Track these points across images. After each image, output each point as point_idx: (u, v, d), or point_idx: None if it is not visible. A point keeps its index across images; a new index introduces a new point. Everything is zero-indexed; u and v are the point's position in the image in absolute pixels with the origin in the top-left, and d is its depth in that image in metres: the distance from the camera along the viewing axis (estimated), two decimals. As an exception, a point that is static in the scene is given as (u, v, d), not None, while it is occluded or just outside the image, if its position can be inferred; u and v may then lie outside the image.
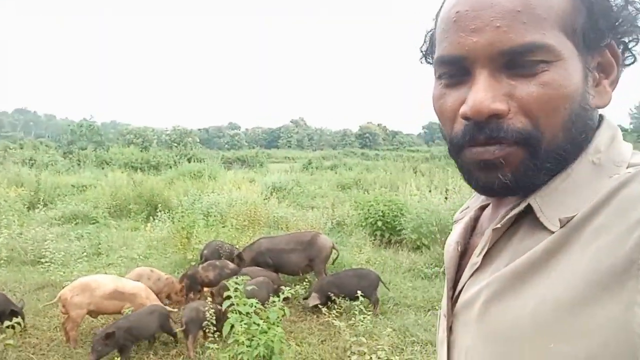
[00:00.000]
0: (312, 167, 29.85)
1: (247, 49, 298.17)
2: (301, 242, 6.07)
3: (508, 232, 0.66)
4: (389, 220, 8.22)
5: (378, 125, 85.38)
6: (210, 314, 3.98)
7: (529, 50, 0.58)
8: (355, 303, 4.87)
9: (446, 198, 9.44)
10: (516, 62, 0.59)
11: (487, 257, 0.68)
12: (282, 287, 5.43)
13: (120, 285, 4.44)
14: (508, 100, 0.60)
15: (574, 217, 0.57)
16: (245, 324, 3.33)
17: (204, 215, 9.05)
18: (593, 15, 0.61)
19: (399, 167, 21.68)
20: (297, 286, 5.19)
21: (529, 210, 0.63)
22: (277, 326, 3.44)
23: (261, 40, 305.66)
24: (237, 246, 6.82)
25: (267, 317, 3.47)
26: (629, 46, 0.65)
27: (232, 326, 3.40)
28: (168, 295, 5.39)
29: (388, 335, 4.41)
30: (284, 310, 3.68)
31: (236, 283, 3.64)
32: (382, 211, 8.23)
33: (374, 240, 8.01)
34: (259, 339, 3.26)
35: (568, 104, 0.60)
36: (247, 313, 3.43)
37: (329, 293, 5.04)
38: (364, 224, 8.48)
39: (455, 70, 0.65)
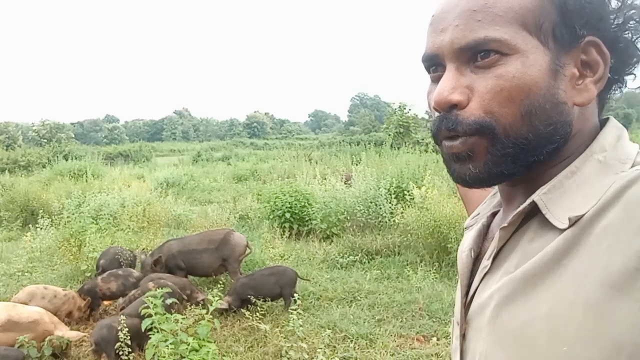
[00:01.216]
0: (202, 160, 28.94)
1: (123, 36, 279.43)
2: (213, 241, 5.68)
3: (517, 233, 0.67)
4: (296, 212, 8.06)
5: (265, 114, 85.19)
6: (124, 333, 3.50)
7: (482, 44, 0.62)
8: (279, 303, 4.64)
9: (342, 182, 9.54)
10: (475, 56, 0.64)
11: (497, 259, 0.68)
12: (198, 294, 5.08)
13: (14, 314, 3.73)
14: (469, 92, 0.64)
15: (583, 215, 0.58)
16: (171, 343, 2.94)
17: (93, 218, 8.22)
18: (566, 13, 0.63)
19: (292, 155, 21.69)
20: (215, 289, 4.80)
21: (535, 209, 0.64)
22: (210, 342, 3.09)
23: (138, 28, 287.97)
24: (139, 250, 6.22)
25: (196, 333, 3.10)
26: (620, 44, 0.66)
27: (156, 347, 2.99)
28: (68, 314, 4.69)
29: (317, 334, 4.27)
30: (213, 322, 3.34)
31: (154, 297, 3.23)
32: (289, 202, 8.03)
33: (283, 233, 7.81)
34: (190, 359, 2.90)
35: (524, 95, 0.62)
36: (173, 330, 3.04)
37: (246, 296, 4.73)
38: (271, 216, 8.23)
39: (435, 67, 0.70)
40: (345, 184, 9.37)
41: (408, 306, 4.87)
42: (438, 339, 4.18)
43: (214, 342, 3.21)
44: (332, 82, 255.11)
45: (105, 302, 5.23)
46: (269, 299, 4.92)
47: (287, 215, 7.98)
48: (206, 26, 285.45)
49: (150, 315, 3.16)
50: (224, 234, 5.79)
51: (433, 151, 14.27)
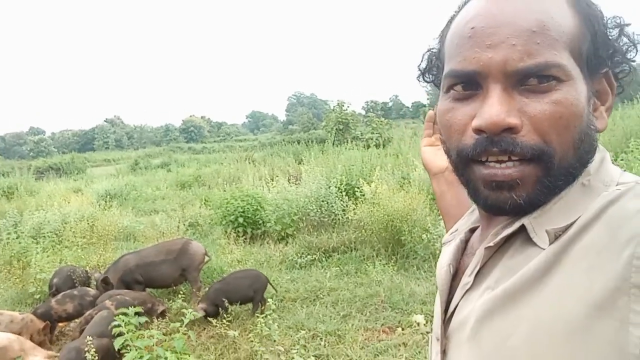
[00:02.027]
0: (140, 168, 28.07)
1: (44, 43, 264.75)
2: (171, 251, 5.59)
3: (499, 251, 0.67)
4: (249, 215, 8.04)
5: (202, 117, 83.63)
6: (92, 354, 3.41)
7: (542, 69, 0.60)
8: (245, 307, 4.64)
9: (291, 183, 9.61)
10: (529, 79, 0.61)
11: (479, 276, 0.69)
12: (159, 306, 4.98)
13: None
14: (520, 116, 0.61)
15: (560, 229, 0.59)
16: (148, 359, 2.91)
17: (34, 238, 7.85)
18: (596, 42, 0.64)
19: (234, 158, 21.47)
20: (179, 300, 4.75)
21: (521, 229, 0.64)
22: (187, 355, 3.08)
23: (60, 34, 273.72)
24: (91, 269, 6.02)
25: (173, 347, 3.08)
26: (619, 77, 0.69)
27: (132, 364, 2.95)
28: (29, 338, 4.46)
29: (285, 335, 4.32)
30: (188, 334, 3.32)
31: (125, 314, 3.18)
32: (241, 207, 8.00)
33: (237, 237, 7.78)
34: (169, 373, 2.88)
35: (578, 122, 0.62)
36: (147, 346, 3.00)
37: (220, 302, 4.70)
38: (223, 222, 8.16)
39: (466, 85, 0.66)
40: (295, 183, 9.44)
41: (370, 300, 5.02)
42: (403, 329, 4.35)
43: (189, 355, 3.19)
44: (268, 82, 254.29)
45: (60, 324, 5.04)
46: (240, 303, 4.94)
47: (240, 219, 7.94)
48: (132, 31, 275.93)
49: (121, 334, 3.10)
50: (182, 244, 5.71)
51: (375, 146, 14.62)
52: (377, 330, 4.40)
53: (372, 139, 19.77)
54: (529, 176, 0.62)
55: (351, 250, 6.70)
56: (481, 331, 0.63)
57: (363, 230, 6.74)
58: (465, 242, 0.82)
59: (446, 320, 0.74)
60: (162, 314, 4.86)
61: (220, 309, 4.74)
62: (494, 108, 0.61)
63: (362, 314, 4.75)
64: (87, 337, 3.51)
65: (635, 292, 0.50)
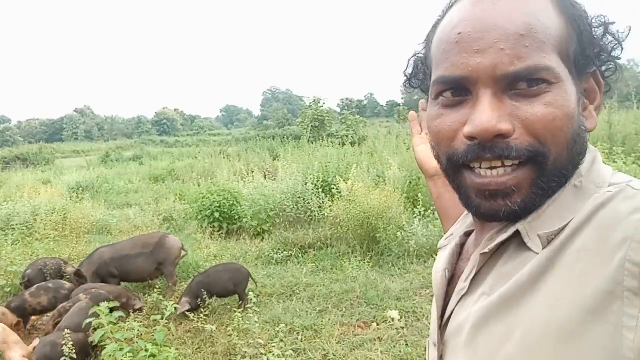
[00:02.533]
0: (111, 160, 27.55)
1: (12, 29, 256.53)
2: (148, 245, 5.56)
3: (493, 256, 0.68)
4: (225, 210, 8.03)
5: (175, 110, 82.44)
6: (70, 348, 3.39)
7: (532, 73, 0.60)
8: (222, 302, 4.65)
9: (267, 179, 9.63)
10: (519, 83, 0.61)
11: (474, 281, 0.70)
12: (135, 301, 4.96)
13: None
14: (512, 120, 0.61)
15: (553, 233, 0.60)
16: (129, 352, 2.92)
17: (2, 230, 7.71)
18: (582, 42, 0.64)
19: (209, 153, 21.29)
20: (155, 294, 4.74)
21: (515, 234, 0.65)
22: (168, 347, 3.10)
23: (32, 20, 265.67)
24: (64, 260, 5.93)
25: (153, 340, 3.10)
26: (606, 75, 0.70)
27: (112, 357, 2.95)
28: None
29: (263, 330, 4.36)
30: (169, 327, 3.34)
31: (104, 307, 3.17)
32: (217, 202, 7.99)
33: (213, 233, 7.77)
34: (150, 366, 2.90)
35: (570, 123, 0.62)
36: (127, 339, 3.02)
37: (202, 294, 4.72)
38: (199, 217, 8.14)
39: (455, 91, 0.66)
40: (271, 179, 9.45)
41: (346, 295, 5.10)
42: (378, 324, 4.44)
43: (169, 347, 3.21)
44: (243, 77, 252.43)
45: (33, 317, 4.97)
46: (220, 297, 4.97)
47: (216, 214, 7.93)
48: (106, 19, 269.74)
49: (101, 326, 3.10)
50: (159, 238, 5.69)
51: (351, 144, 14.70)
52: (352, 325, 4.49)
53: (347, 137, 19.90)
54: (524, 180, 0.62)
55: (327, 247, 6.78)
56: (477, 337, 0.63)
57: (339, 227, 6.81)
58: (461, 246, 0.82)
59: (442, 326, 0.74)
60: (139, 309, 4.83)
61: (201, 302, 4.76)
62: (485, 114, 0.61)
63: (338, 309, 4.83)
64: (65, 330, 3.48)
65: (629, 295, 0.50)
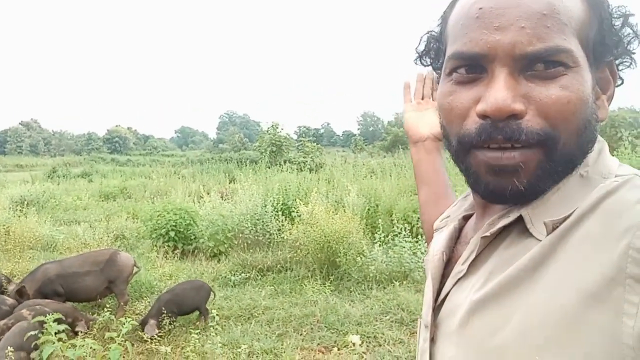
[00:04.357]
0: (58, 176, 26.38)
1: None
2: (98, 262, 5.28)
3: (494, 241, 0.67)
4: (181, 230, 7.79)
5: (128, 128, 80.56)
6: (11, 366, 3.13)
7: (551, 54, 0.59)
8: (180, 321, 4.44)
9: (224, 200, 9.46)
10: (536, 64, 0.60)
11: (472, 265, 0.69)
12: (81, 322, 4.66)
13: None
14: (525, 101, 0.60)
15: (558, 221, 0.59)
16: (80, 371, 2.72)
17: (-63, 241, 7.19)
18: (602, 30, 0.64)
19: (163, 172, 20.79)
20: (107, 312, 4.48)
21: (518, 220, 0.64)
22: (123, 366, 2.91)
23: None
24: (6, 276, 5.54)
25: (107, 358, 2.90)
26: (619, 68, 0.69)
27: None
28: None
29: (222, 353, 4.19)
30: (125, 345, 3.14)
31: (52, 321, 2.96)
32: (173, 221, 7.75)
33: (167, 252, 7.50)
34: (102, 386, 2.71)
35: (583, 109, 0.61)
36: (78, 357, 2.81)
37: (171, 313, 4.50)
38: (153, 235, 7.85)
39: (471, 67, 0.64)
40: (228, 201, 9.28)
41: (306, 319, 5.00)
42: (339, 349, 4.36)
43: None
44: (200, 99, 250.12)
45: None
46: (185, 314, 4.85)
47: (172, 233, 7.68)
48: (59, 31, 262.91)
49: (49, 343, 2.89)
50: (110, 255, 5.42)
51: (309, 171, 14.74)
52: (313, 349, 4.39)
53: (305, 163, 19.98)
54: (531, 160, 0.61)
55: (286, 270, 6.66)
56: (473, 321, 0.63)
57: (298, 250, 6.73)
58: (459, 229, 0.81)
59: (436, 308, 0.73)
60: (89, 328, 4.55)
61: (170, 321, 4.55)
62: (499, 93, 0.59)
63: (298, 333, 4.72)
64: (7, 348, 3.23)
65: (631, 282, 0.50)
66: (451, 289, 0.71)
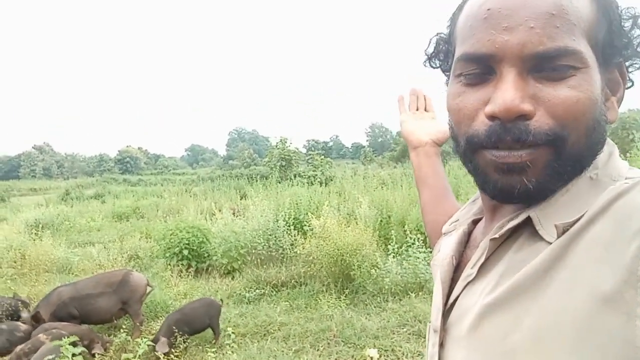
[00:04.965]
0: (71, 198, 26.65)
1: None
2: (111, 283, 5.28)
3: (504, 244, 0.66)
4: (194, 248, 7.80)
5: (139, 148, 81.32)
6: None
7: (561, 55, 0.59)
8: (196, 340, 4.43)
9: (236, 216, 9.47)
10: (545, 65, 0.60)
11: (482, 268, 0.68)
12: (97, 344, 4.66)
13: None
14: (534, 102, 0.60)
15: (569, 224, 0.58)
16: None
17: (-46, 267, 7.26)
18: (611, 31, 0.63)
19: (174, 191, 20.91)
20: (123, 334, 4.47)
21: (527, 222, 0.64)
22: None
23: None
24: (23, 300, 5.57)
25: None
26: (629, 70, 0.69)
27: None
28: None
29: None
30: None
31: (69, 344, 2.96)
32: (186, 239, 7.76)
33: (181, 271, 7.50)
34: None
35: (592, 109, 0.60)
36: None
37: (181, 332, 4.48)
38: (166, 254, 7.86)
39: (479, 69, 0.64)
40: (240, 217, 9.29)
41: (322, 334, 4.96)
42: (357, 363, 4.31)
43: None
44: (209, 117, 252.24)
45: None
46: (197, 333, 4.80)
47: (185, 252, 7.68)
48: (68, 53, 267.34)
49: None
50: (122, 275, 5.41)
51: (320, 184, 14.74)
52: (330, 365, 4.34)
53: (315, 177, 19.98)
54: (539, 159, 0.60)
55: (301, 285, 6.62)
56: (483, 325, 0.62)
57: (312, 265, 6.70)
58: (468, 234, 0.81)
59: (445, 313, 0.73)
60: (105, 349, 4.55)
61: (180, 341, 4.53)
62: (508, 93, 0.59)
63: (315, 349, 4.67)
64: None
65: None
66: (460, 292, 0.71)
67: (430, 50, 0.81)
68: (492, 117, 0.61)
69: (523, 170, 0.61)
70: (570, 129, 0.60)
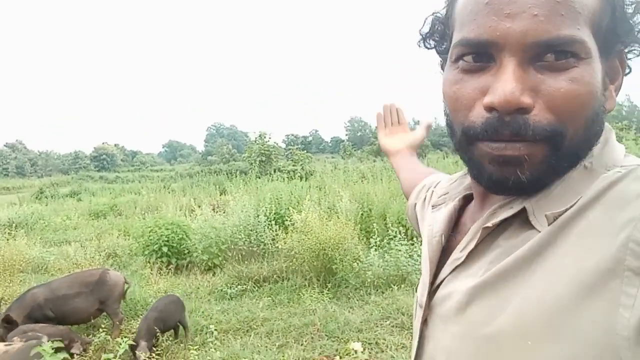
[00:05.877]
0: (46, 197, 26.09)
1: None
2: (87, 283, 5.13)
3: (494, 231, 0.66)
4: (174, 245, 7.69)
5: (115, 145, 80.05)
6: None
7: (565, 44, 0.56)
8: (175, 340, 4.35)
9: (216, 212, 9.36)
10: (548, 55, 0.57)
11: (471, 254, 0.68)
12: (76, 344, 4.55)
13: None
14: (533, 94, 0.58)
15: (559, 213, 0.58)
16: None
17: None
18: (615, 19, 0.61)
19: (152, 188, 20.62)
20: (102, 333, 4.37)
21: (520, 211, 0.63)
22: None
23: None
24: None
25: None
26: (628, 57, 0.67)
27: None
28: None
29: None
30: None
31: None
32: (165, 236, 7.64)
33: (161, 268, 7.39)
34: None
35: (592, 102, 0.59)
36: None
37: (158, 332, 4.39)
38: (145, 252, 7.74)
39: (478, 55, 0.62)
40: (220, 213, 9.19)
41: (306, 329, 4.93)
42: (341, 357, 4.29)
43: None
44: (186, 112, 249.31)
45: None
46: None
47: (165, 249, 7.57)
48: (41, 50, 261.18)
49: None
50: (99, 274, 5.26)
51: (300, 179, 14.68)
52: (315, 359, 4.32)
53: (295, 172, 19.92)
54: (536, 154, 0.58)
55: (283, 280, 6.58)
56: (469, 308, 0.62)
57: (294, 259, 6.65)
58: (459, 209, 0.80)
59: (431, 291, 0.73)
60: (85, 350, 4.44)
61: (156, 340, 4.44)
62: (508, 84, 0.57)
63: (298, 343, 4.64)
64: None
65: (629, 274, 0.50)
66: (448, 274, 0.71)
67: (426, 30, 0.77)
68: (490, 109, 0.59)
69: (519, 164, 0.59)
70: (569, 124, 0.58)
